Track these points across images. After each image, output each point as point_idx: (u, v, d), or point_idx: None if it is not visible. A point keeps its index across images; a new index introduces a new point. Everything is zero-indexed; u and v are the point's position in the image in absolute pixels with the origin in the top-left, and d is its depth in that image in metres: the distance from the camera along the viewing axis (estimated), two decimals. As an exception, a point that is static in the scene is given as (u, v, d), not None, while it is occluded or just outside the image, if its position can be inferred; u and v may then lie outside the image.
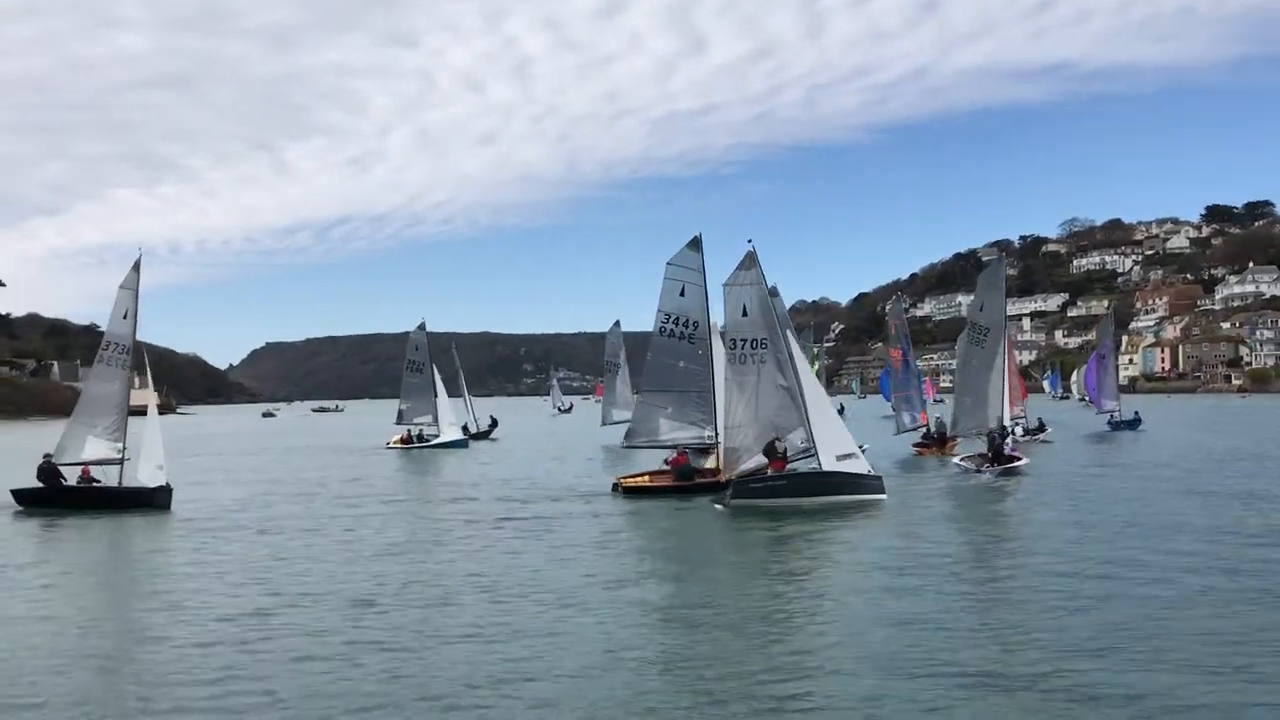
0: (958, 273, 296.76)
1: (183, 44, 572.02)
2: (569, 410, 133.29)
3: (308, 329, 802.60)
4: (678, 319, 33.21)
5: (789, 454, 27.86)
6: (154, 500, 29.51)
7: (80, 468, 30.78)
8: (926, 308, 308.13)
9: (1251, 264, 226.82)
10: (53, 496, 30.07)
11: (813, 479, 26.84)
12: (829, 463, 27.02)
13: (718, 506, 26.63)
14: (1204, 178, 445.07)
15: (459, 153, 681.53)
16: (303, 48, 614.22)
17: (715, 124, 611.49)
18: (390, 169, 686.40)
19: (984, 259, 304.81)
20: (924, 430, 46.46)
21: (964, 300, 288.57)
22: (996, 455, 35.19)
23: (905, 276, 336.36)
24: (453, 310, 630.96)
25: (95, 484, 30.69)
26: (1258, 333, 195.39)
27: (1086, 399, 78.99)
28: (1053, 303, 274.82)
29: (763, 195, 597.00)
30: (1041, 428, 54.80)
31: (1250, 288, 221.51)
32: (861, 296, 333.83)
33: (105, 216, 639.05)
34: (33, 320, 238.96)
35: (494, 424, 68.83)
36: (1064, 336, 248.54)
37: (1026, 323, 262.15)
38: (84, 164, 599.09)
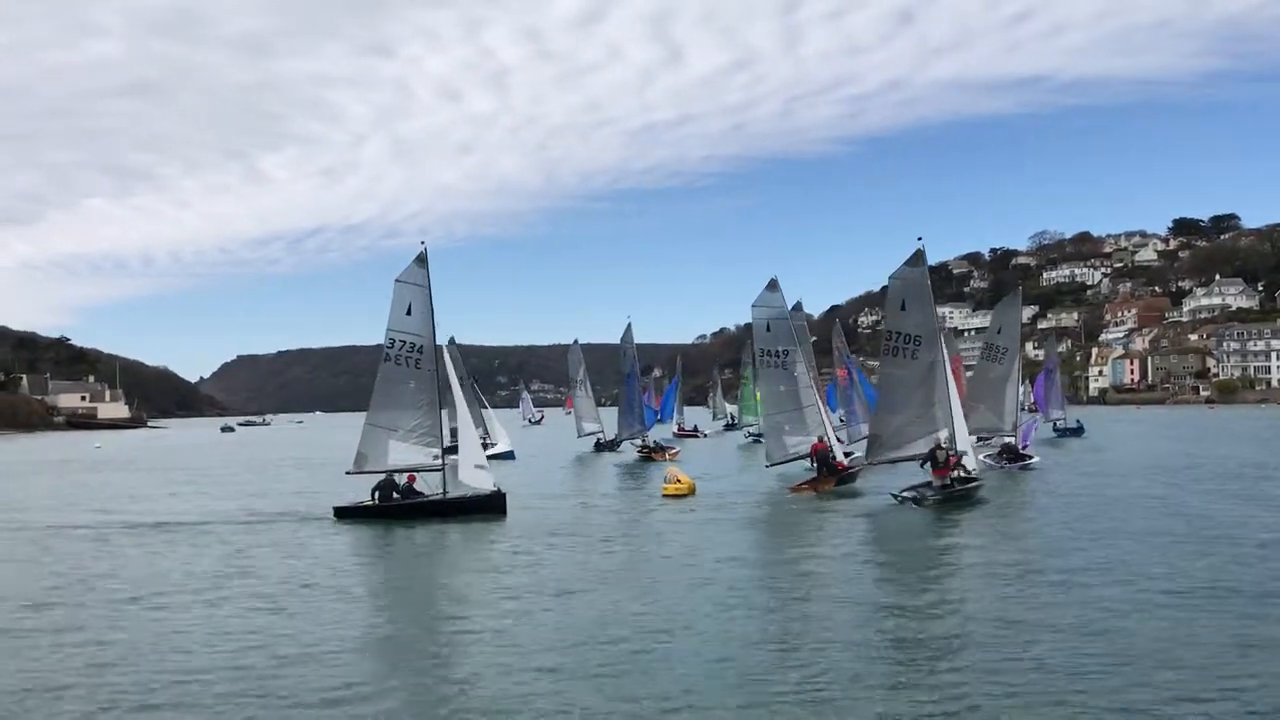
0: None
1: (157, 51, 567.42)
2: (539, 422, 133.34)
3: (280, 341, 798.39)
4: (770, 350, 38.64)
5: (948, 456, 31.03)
6: (490, 505, 28.55)
7: (406, 475, 29.51)
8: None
9: (1218, 276, 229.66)
10: (383, 511, 28.73)
11: (974, 484, 30.94)
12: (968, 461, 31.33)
13: (913, 505, 29.35)
14: (1171, 191, 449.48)
15: (436, 163, 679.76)
16: (278, 56, 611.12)
17: (692, 135, 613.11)
18: (366, 179, 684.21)
19: (954, 271, 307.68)
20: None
21: (935, 312, 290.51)
22: (1012, 453, 42.12)
23: (877, 289, 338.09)
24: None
25: (420, 495, 29.37)
26: (1224, 344, 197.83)
27: (1035, 408, 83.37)
28: (1023, 315, 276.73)
29: (738, 207, 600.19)
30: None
31: (1217, 300, 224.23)
32: (834, 308, 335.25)
33: (77, 226, 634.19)
34: (1, 333, 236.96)
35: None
36: (1034, 348, 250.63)
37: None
38: (56, 173, 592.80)
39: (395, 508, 28.91)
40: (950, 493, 29.87)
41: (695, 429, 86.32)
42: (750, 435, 78.31)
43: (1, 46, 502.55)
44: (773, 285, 38.79)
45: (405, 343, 29.74)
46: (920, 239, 32.16)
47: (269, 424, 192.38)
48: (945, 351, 32.15)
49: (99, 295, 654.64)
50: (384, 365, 30.07)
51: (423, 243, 30.24)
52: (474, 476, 29.07)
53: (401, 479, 29.49)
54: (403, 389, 29.76)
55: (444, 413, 57.30)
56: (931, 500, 29.35)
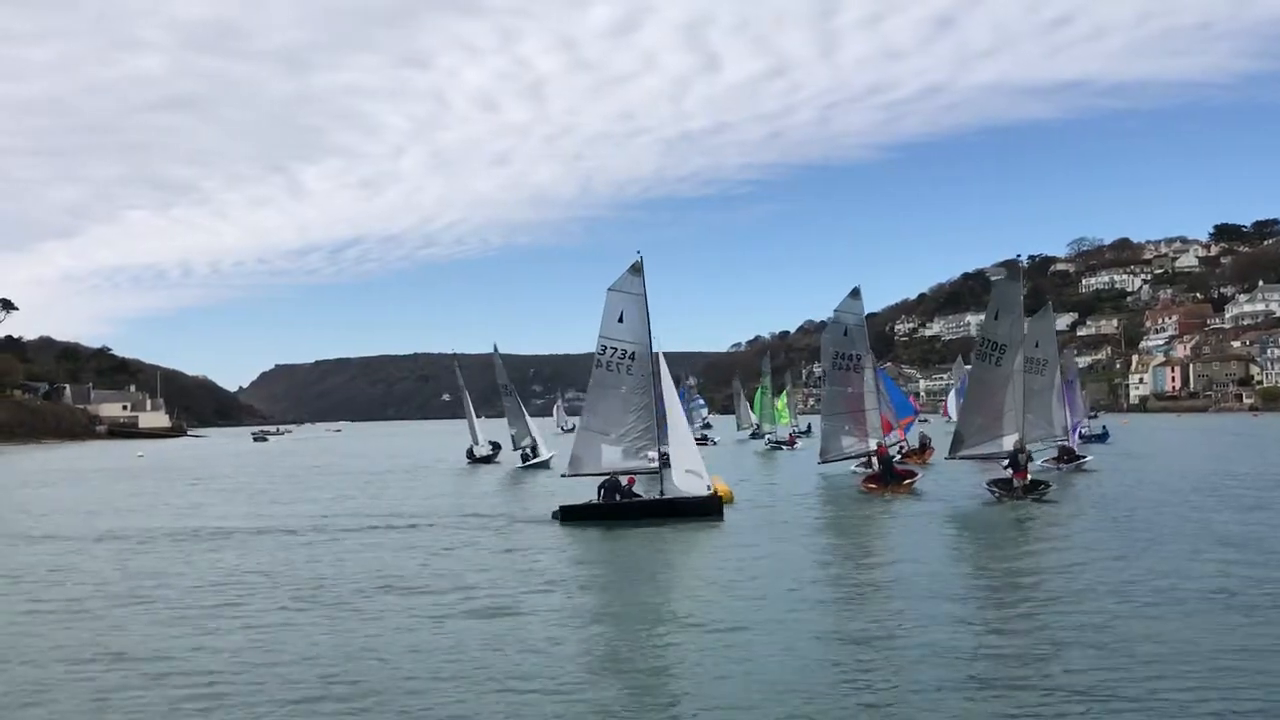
0: (966, 292, 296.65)
1: (198, 66, 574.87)
2: (571, 430, 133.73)
3: (318, 351, 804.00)
4: (845, 354, 42.06)
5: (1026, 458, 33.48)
6: (708, 508, 29.17)
7: (626, 477, 30.24)
8: (936, 327, 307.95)
9: (1261, 283, 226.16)
10: (603, 511, 29.48)
11: (1049, 486, 33.03)
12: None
13: (1010, 500, 31.43)
14: (1213, 196, 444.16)
15: (472, 173, 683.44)
16: (317, 69, 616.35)
17: (728, 143, 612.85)
18: (404, 190, 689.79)
19: (991, 278, 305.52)
20: (900, 444, 49.71)
21: (972, 320, 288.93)
22: (1069, 455, 45.48)
23: (914, 296, 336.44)
24: (463, 331, 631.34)
25: (638, 497, 30.17)
26: (1268, 351, 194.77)
27: None
28: (1062, 322, 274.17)
29: (774, 215, 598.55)
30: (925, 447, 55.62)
31: (1260, 306, 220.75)
32: (870, 316, 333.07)
33: (118, 239, 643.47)
34: (45, 343, 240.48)
35: (497, 448, 65.21)
36: (1074, 356, 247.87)
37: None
38: (98, 186, 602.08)
39: (614, 508, 29.62)
40: (1036, 493, 32.14)
41: (705, 437, 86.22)
42: (770, 443, 78.37)
43: (47, 62, 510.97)
44: (855, 293, 42.07)
45: (616, 349, 30.55)
46: (1019, 256, 34.95)
47: (282, 434, 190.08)
48: (1020, 358, 34.81)
49: (140, 306, 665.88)
50: (595, 371, 30.97)
51: (639, 252, 30.88)
52: (685, 481, 29.51)
53: (623, 479, 30.30)
54: (614, 394, 30.65)
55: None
56: (1024, 497, 31.64)
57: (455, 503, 38.29)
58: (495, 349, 63.42)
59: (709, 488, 29.66)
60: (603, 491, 29.95)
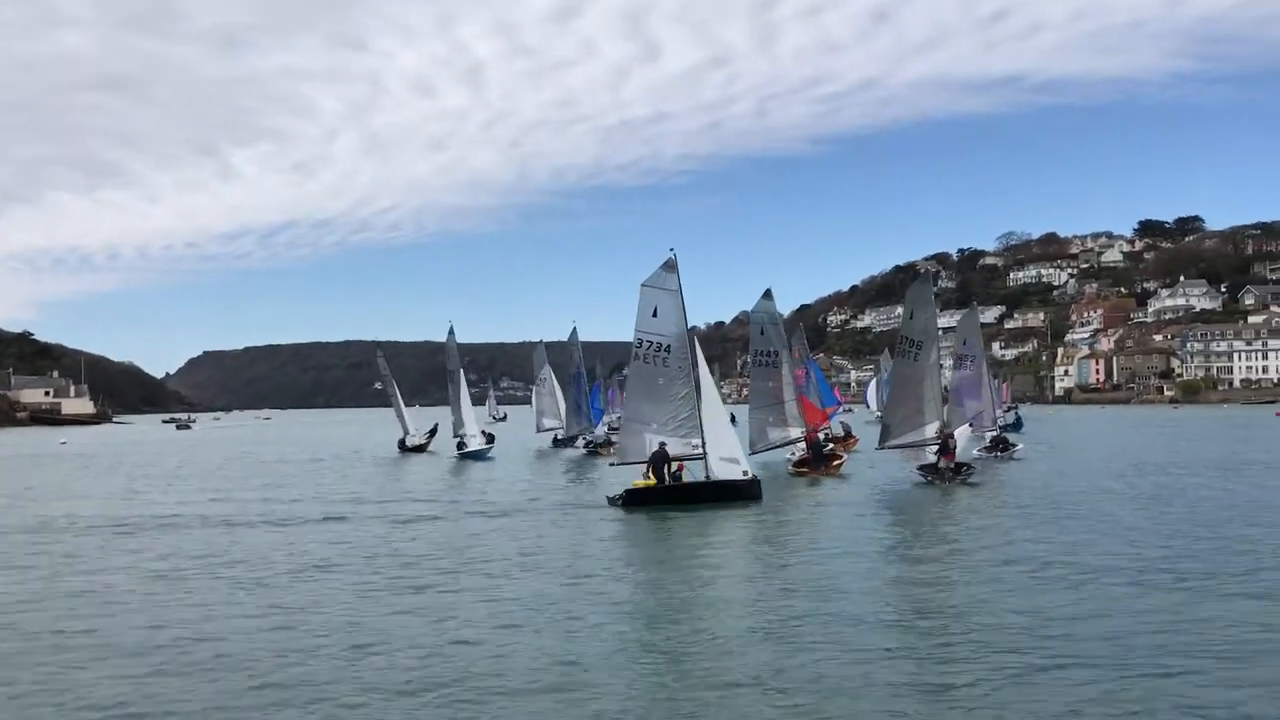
0: (897, 284, 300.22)
1: (129, 45, 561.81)
2: (504, 419, 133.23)
3: (247, 337, 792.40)
4: (763, 351, 44.78)
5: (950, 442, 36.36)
6: (748, 493, 30.64)
7: (676, 464, 31.16)
8: (867, 319, 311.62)
9: (1182, 278, 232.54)
10: (656, 496, 30.48)
11: (972, 470, 36.21)
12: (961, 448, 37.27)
13: (938, 481, 34.65)
14: (1138, 193, 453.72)
15: (408, 158, 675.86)
16: (251, 50, 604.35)
17: (666, 132, 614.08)
18: (337, 174, 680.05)
19: (921, 271, 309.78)
20: (825, 430, 51.32)
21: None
22: (1003, 444, 48.45)
23: (846, 288, 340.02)
24: (396, 319, 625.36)
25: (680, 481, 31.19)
26: (1188, 345, 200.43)
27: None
28: (990, 315, 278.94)
29: (711, 205, 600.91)
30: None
31: (1181, 301, 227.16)
32: (804, 308, 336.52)
33: (42, 221, 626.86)
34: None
35: (433, 434, 65.21)
36: (1000, 348, 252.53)
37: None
38: (22, 167, 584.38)
39: (670, 491, 30.85)
40: (960, 475, 35.21)
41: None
42: None
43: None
44: (768, 294, 45.06)
45: (651, 343, 31.79)
46: (931, 270, 36.01)
47: (194, 421, 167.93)
48: (936, 353, 37.47)
49: (63, 290, 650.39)
50: (633, 364, 32.58)
51: (671, 250, 31.87)
52: (721, 468, 31.02)
53: (673, 465, 31.51)
54: (651, 385, 32.00)
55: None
56: (950, 479, 34.77)
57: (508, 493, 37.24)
58: (451, 332, 61.59)
59: (745, 473, 31.18)
60: (651, 466, 30.99)
